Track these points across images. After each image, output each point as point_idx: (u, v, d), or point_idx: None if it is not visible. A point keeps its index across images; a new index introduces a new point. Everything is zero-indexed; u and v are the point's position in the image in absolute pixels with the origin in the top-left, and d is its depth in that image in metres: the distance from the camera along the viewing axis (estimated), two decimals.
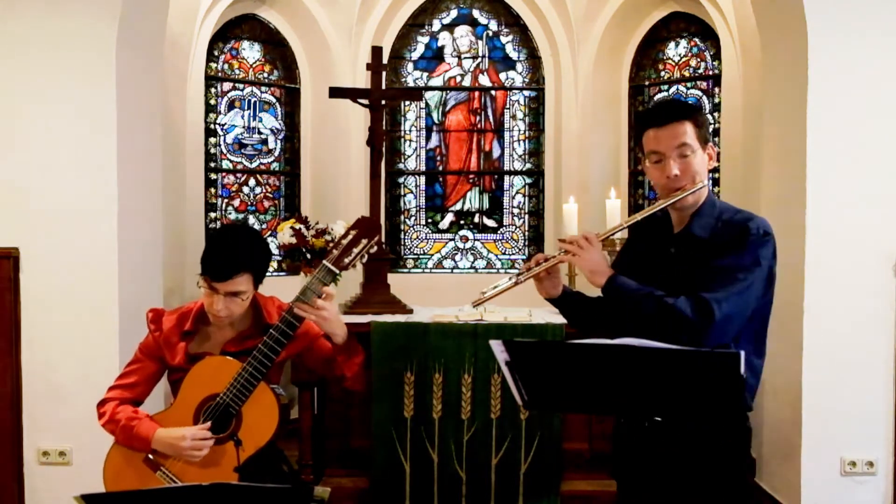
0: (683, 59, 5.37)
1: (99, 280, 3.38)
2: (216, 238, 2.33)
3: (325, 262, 2.26)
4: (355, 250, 2.27)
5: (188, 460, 2.19)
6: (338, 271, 2.27)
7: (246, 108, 5.46)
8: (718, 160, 5.09)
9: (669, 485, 2.00)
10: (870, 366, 3.39)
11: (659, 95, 5.44)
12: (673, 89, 5.37)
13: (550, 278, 2.14)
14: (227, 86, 5.39)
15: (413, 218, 5.84)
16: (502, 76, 5.81)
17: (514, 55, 5.81)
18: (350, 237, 2.28)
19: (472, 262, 5.80)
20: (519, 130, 5.81)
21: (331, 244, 2.41)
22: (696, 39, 5.30)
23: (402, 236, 5.82)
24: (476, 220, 5.84)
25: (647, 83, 5.50)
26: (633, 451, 2.06)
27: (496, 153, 5.83)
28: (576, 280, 4.10)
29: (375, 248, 2.32)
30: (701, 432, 1.96)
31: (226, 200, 5.39)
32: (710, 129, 5.14)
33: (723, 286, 1.91)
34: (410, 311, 4.10)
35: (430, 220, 5.84)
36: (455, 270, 5.78)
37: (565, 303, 2.21)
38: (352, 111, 5.25)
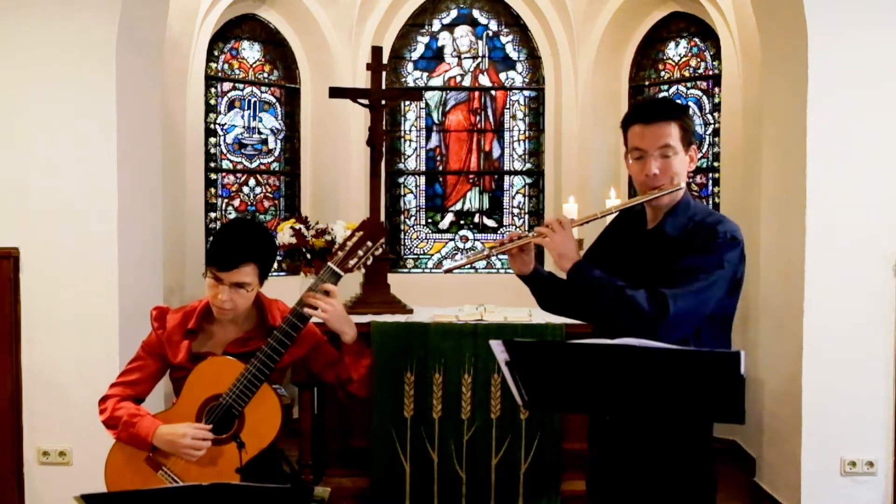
0: (683, 59, 5.37)
1: (99, 280, 3.38)
2: (223, 229, 2.35)
3: (329, 263, 2.27)
4: (360, 253, 2.28)
5: (187, 459, 2.19)
6: (342, 273, 2.27)
7: (246, 108, 5.46)
8: (717, 160, 5.09)
9: (638, 480, 2.06)
10: (870, 366, 3.39)
11: (659, 95, 5.44)
12: (673, 89, 5.38)
13: (522, 256, 2.19)
14: (227, 86, 5.39)
15: (413, 218, 5.84)
16: (502, 76, 5.82)
17: (514, 55, 5.81)
18: (355, 239, 2.29)
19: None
20: (519, 130, 5.81)
21: (335, 246, 2.41)
22: (696, 39, 5.30)
23: (402, 236, 5.82)
24: (476, 220, 5.85)
25: (647, 83, 5.51)
26: (606, 448, 2.13)
27: (496, 153, 5.83)
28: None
29: (380, 250, 2.33)
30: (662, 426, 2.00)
31: (226, 200, 5.39)
32: (709, 130, 5.15)
33: (682, 284, 1.96)
34: (410, 311, 4.10)
35: (430, 220, 5.84)
36: (455, 270, 5.78)
37: (534, 281, 2.25)
38: (352, 111, 5.25)
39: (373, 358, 2.39)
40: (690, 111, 2.20)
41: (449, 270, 2.20)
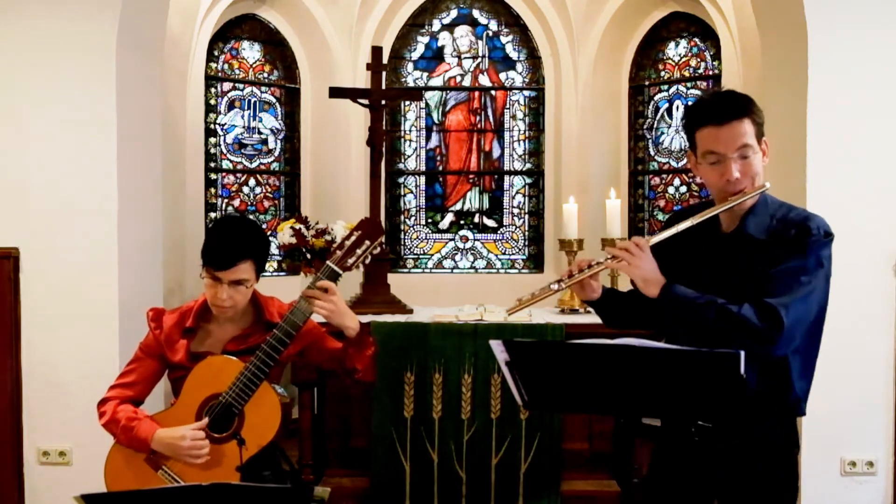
0: (683, 59, 5.37)
1: (99, 280, 3.37)
2: (216, 228, 2.38)
3: (328, 262, 2.28)
4: (358, 251, 2.29)
5: (190, 463, 2.19)
6: (341, 272, 2.28)
7: (246, 108, 5.46)
8: None
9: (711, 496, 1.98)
10: (870, 366, 3.39)
11: (659, 95, 5.44)
12: (673, 89, 5.38)
13: (591, 282, 2.07)
14: (227, 86, 5.39)
15: (413, 218, 5.84)
16: (502, 76, 5.81)
17: (514, 55, 5.81)
18: (353, 238, 2.30)
19: (472, 262, 5.80)
20: (519, 130, 5.81)
21: (333, 245, 2.42)
22: (696, 39, 5.30)
23: (402, 236, 5.82)
24: (476, 220, 5.84)
25: (647, 83, 5.50)
26: (677, 461, 2.02)
27: (496, 153, 5.83)
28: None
29: (378, 249, 2.34)
30: (749, 452, 1.93)
31: (226, 200, 5.39)
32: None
33: (787, 290, 1.84)
34: (410, 311, 4.10)
35: (430, 220, 5.84)
36: (455, 270, 5.78)
37: (606, 304, 2.13)
38: (352, 111, 5.25)
39: (377, 345, 2.41)
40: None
41: (513, 311, 2.05)
